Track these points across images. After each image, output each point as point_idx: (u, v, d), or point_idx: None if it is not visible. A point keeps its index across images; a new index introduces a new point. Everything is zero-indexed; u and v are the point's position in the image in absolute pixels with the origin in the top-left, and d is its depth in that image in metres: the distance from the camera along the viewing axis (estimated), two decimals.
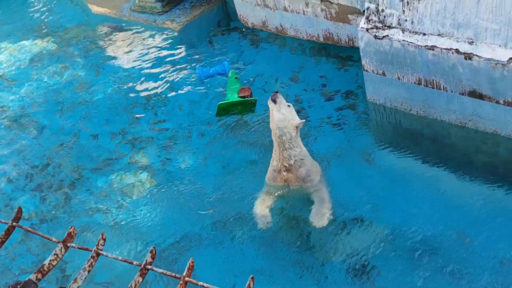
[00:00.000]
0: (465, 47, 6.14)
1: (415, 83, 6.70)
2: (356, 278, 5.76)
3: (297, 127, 6.04)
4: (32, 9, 10.80)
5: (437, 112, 6.80)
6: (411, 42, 6.43)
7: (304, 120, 6.14)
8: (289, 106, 6.12)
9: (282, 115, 6.00)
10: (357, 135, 7.12)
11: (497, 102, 6.27)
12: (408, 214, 6.16)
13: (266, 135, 7.09)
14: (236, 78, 7.72)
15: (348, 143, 7.00)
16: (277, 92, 6.16)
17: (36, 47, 9.65)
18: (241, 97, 7.46)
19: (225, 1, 9.45)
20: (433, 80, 6.54)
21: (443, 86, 6.51)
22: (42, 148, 7.74)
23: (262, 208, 6.24)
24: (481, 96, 6.33)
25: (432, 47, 6.30)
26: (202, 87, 8.09)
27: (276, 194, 6.31)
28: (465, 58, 6.14)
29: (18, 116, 8.32)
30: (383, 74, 6.87)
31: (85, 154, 7.53)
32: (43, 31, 10.05)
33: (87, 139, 7.74)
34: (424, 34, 6.36)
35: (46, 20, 10.38)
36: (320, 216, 6.08)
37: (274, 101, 6.04)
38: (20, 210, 3.00)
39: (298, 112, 6.49)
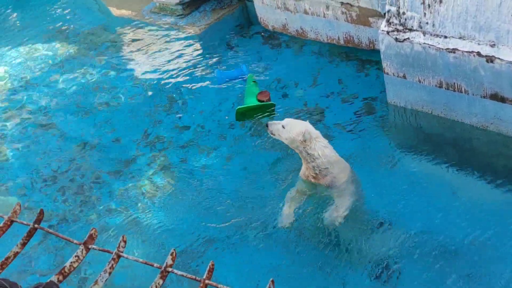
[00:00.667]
0: (486, 50, 6.10)
1: (436, 86, 6.67)
2: (376, 281, 5.74)
3: (304, 140, 5.90)
4: (54, 13, 10.88)
5: (458, 115, 6.76)
6: (432, 45, 6.40)
7: (304, 130, 5.89)
8: (283, 127, 5.99)
9: (286, 139, 5.97)
10: (378, 138, 7.10)
11: None
12: (429, 218, 6.13)
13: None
14: (254, 81, 7.71)
15: (369, 146, 6.98)
16: (266, 125, 6.11)
17: (58, 50, 9.72)
18: (259, 101, 7.45)
19: (246, 5, 9.47)
20: (454, 83, 6.50)
21: (465, 89, 6.47)
22: (63, 150, 7.79)
23: (289, 205, 6.20)
24: (503, 99, 6.29)
25: (454, 50, 6.27)
26: (223, 90, 8.10)
27: (306, 191, 6.23)
28: (487, 61, 6.10)
29: (40, 118, 8.37)
30: (404, 77, 6.84)
31: (106, 156, 7.57)
32: (65, 34, 10.12)
33: (108, 141, 7.78)
34: (446, 37, 6.33)
35: (67, 23, 10.45)
36: (332, 218, 6.03)
37: (272, 133, 6.06)
38: (42, 212, 3.03)
39: (317, 115, 6.48)
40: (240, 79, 8.00)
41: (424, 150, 6.88)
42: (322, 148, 5.93)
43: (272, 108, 7.45)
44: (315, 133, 5.97)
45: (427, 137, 7.08)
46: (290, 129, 5.93)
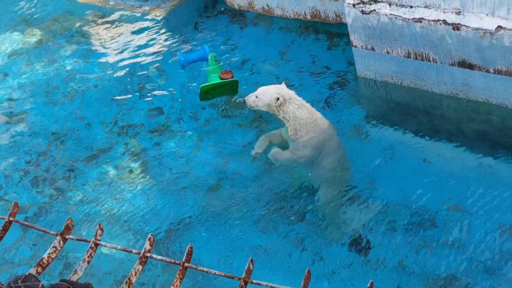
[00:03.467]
0: (452, 18, 6.13)
1: (404, 56, 6.69)
2: (353, 253, 5.80)
3: (279, 105, 6.21)
4: (16, 1, 10.72)
5: (427, 84, 6.80)
6: (398, 15, 6.41)
7: (276, 95, 6.20)
8: (257, 97, 6.32)
9: (263, 107, 6.31)
10: (349, 110, 7.13)
11: (487, 71, 6.27)
12: (402, 187, 6.20)
13: (258, 115, 7.10)
14: (216, 61, 7.64)
15: (340, 119, 7.01)
16: (244, 101, 6.56)
17: (22, 39, 9.59)
18: (222, 79, 7.39)
19: None
20: (422, 52, 6.53)
21: (433, 58, 6.51)
22: (34, 140, 7.71)
23: (267, 136, 6.55)
24: (470, 66, 6.33)
25: (420, 19, 6.29)
26: (192, 71, 8.05)
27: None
28: (453, 29, 6.13)
29: (9, 110, 8.27)
30: (372, 49, 6.85)
31: (79, 144, 7.51)
32: (28, 23, 9.97)
33: (80, 129, 7.71)
34: (411, 7, 6.34)
35: (30, 11, 10.29)
36: (272, 153, 6.40)
37: (250, 106, 6.44)
38: (16, 205, 3.01)
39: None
40: (204, 60, 7.92)
41: (396, 120, 6.93)
42: (294, 111, 6.18)
43: (236, 84, 7.39)
44: (288, 94, 6.24)
45: (398, 107, 7.12)
46: (263, 96, 6.24)
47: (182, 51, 8.33)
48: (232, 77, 7.35)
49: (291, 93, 6.26)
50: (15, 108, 8.27)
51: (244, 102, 6.47)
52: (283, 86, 6.35)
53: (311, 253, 5.87)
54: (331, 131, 6.35)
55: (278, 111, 6.24)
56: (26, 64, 9.01)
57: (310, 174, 6.32)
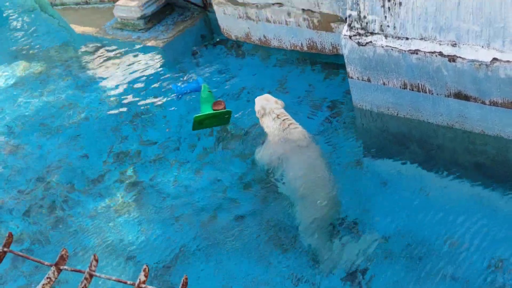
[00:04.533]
0: (448, 50, 6.17)
1: (400, 87, 6.72)
2: (348, 283, 5.76)
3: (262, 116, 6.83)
4: (14, 31, 10.80)
5: (424, 115, 6.82)
6: (395, 47, 6.45)
7: (260, 106, 6.85)
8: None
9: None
10: (345, 141, 7.13)
11: (483, 102, 6.29)
12: (398, 218, 6.17)
13: (254, 146, 7.12)
14: (209, 91, 7.66)
15: (337, 149, 7.01)
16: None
17: (20, 70, 9.64)
18: (215, 110, 7.40)
19: (208, 16, 9.47)
20: (418, 83, 6.56)
21: (429, 89, 6.53)
22: (30, 170, 7.71)
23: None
24: (466, 98, 6.35)
25: (416, 51, 6.33)
26: (189, 102, 8.08)
27: None
28: (449, 61, 6.16)
29: (6, 139, 8.29)
30: (368, 80, 6.88)
31: (74, 174, 7.51)
32: (27, 53, 10.04)
33: (76, 159, 7.71)
34: (407, 39, 6.38)
35: (29, 41, 10.38)
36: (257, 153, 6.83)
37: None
38: (10, 235, 2.99)
39: None
40: (198, 91, 7.95)
41: (392, 150, 6.93)
42: (266, 122, 6.79)
43: (229, 115, 7.41)
44: (270, 108, 6.80)
45: (394, 138, 7.13)
46: (255, 106, 6.87)
47: (179, 83, 8.36)
48: (224, 107, 7.37)
49: (274, 107, 6.83)
50: (11, 138, 8.29)
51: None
52: (267, 96, 6.98)
53: (306, 283, 5.84)
54: (302, 143, 6.55)
55: (259, 119, 6.89)
56: (23, 95, 9.05)
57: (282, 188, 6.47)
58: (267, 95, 7.04)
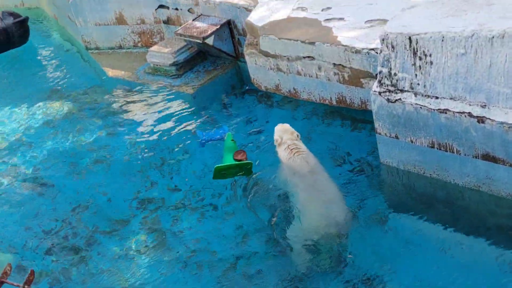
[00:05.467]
0: (477, 111, 6.16)
1: (428, 146, 6.70)
2: None
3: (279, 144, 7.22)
4: (48, 73, 10.99)
5: (450, 175, 6.78)
6: (424, 106, 6.45)
7: (277, 136, 7.28)
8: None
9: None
10: (370, 196, 7.10)
11: (511, 165, 6.25)
12: (421, 279, 6.10)
13: (276, 196, 7.17)
14: (232, 140, 7.71)
15: (361, 204, 6.98)
16: None
17: (52, 110, 9.77)
18: (236, 160, 7.43)
19: (239, 66, 9.58)
20: (446, 143, 6.54)
21: (456, 149, 6.51)
22: (56, 210, 7.76)
23: None
24: (494, 160, 6.32)
25: (445, 111, 6.33)
26: (213, 149, 8.11)
27: None
28: (478, 122, 6.15)
29: (33, 178, 8.37)
30: (396, 137, 6.88)
31: (98, 216, 7.54)
32: (59, 94, 10.18)
33: (101, 201, 7.76)
34: (437, 98, 6.39)
35: (61, 83, 10.54)
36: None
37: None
38: (32, 273, 3.01)
39: None
40: (221, 139, 8.00)
41: (417, 209, 6.88)
42: (280, 152, 7.20)
43: (250, 166, 7.42)
44: (285, 138, 7.19)
45: (419, 196, 7.08)
46: (274, 134, 7.30)
47: (207, 131, 8.42)
48: (246, 158, 7.40)
49: (289, 137, 7.21)
50: (38, 177, 8.38)
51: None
52: (285, 125, 7.39)
53: None
54: (303, 169, 6.93)
55: (276, 147, 7.25)
56: (52, 135, 9.15)
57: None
58: (286, 125, 7.40)
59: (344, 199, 6.74)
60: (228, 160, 7.42)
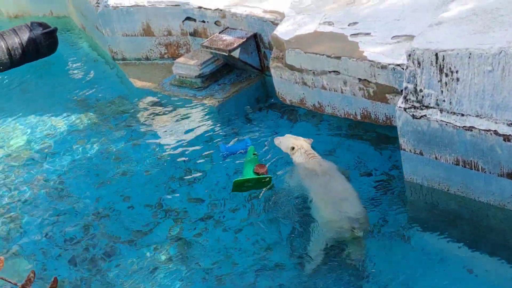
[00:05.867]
0: (504, 129, 6.11)
1: (453, 163, 6.66)
2: None
3: (293, 154, 7.57)
4: (75, 82, 11.10)
5: (475, 193, 6.72)
6: (449, 122, 6.42)
7: (291, 145, 7.59)
8: (280, 142, 7.76)
9: (283, 149, 7.73)
10: (393, 212, 7.06)
11: None
12: None
13: (296, 209, 7.17)
14: (254, 154, 7.72)
15: (385, 221, 6.94)
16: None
17: (78, 119, 9.85)
18: (256, 173, 7.44)
19: (264, 79, 9.61)
20: (471, 160, 6.49)
21: (481, 167, 6.46)
22: (77, 218, 7.81)
23: None
24: None
25: (470, 128, 6.29)
26: (237, 162, 8.13)
27: None
28: (504, 140, 6.10)
29: (56, 186, 8.44)
30: (421, 153, 6.84)
31: (120, 225, 7.57)
32: (85, 104, 10.28)
33: (123, 211, 7.79)
34: (462, 115, 6.35)
35: (88, 92, 10.63)
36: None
37: (275, 144, 7.81)
38: (55, 281, 3.02)
39: None
40: (244, 152, 8.01)
41: (440, 227, 6.83)
42: (297, 158, 7.51)
43: (269, 180, 7.42)
44: (301, 145, 7.56)
45: (443, 214, 7.03)
46: (285, 144, 7.67)
47: (229, 144, 8.44)
48: (266, 171, 7.41)
49: (302, 145, 7.56)
50: (62, 185, 8.44)
51: (274, 141, 7.82)
52: (301, 139, 7.69)
53: None
54: (321, 176, 7.16)
55: (291, 155, 7.56)
56: (77, 144, 9.23)
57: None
58: (291, 135, 7.81)
59: (358, 198, 6.80)
60: (248, 173, 7.44)
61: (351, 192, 6.86)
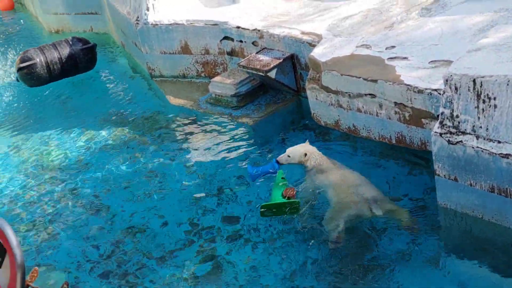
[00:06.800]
0: None
1: (488, 190, 6.60)
2: None
3: (307, 160, 7.79)
4: (111, 97, 11.24)
5: (510, 222, 6.65)
6: (485, 149, 6.37)
7: (304, 151, 7.83)
8: (289, 156, 7.84)
9: (297, 162, 7.88)
10: (426, 239, 7.00)
11: None
12: None
13: (325, 233, 7.15)
14: (283, 178, 7.71)
15: (416, 247, 6.88)
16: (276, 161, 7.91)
17: (113, 134, 9.95)
18: (284, 197, 7.40)
19: (300, 100, 9.64)
20: (506, 188, 6.43)
21: None
22: (110, 233, 7.86)
23: None
24: None
25: (507, 155, 6.24)
26: (270, 182, 8.13)
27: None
28: None
29: (90, 200, 8.52)
30: (455, 179, 6.80)
31: (153, 242, 7.60)
32: (121, 119, 10.39)
33: (156, 227, 7.83)
34: (499, 142, 6.31)
35: (124, 108, 10.75)
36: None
37: (283, 163, 7.86)
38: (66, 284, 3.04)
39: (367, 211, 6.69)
40: (273, 174, 7.99)
41: (472, 254, 6.76)
42: (312, 162, 7.74)
43: (297, 205, 7.40)
44: (311, 150, 7.83)
45: (476, 241, 6.96)
46: (295, 154, 7.80)
47: (256, 165, 8.41)
48: (294, 196, 7.38)
49: (313, 149, 7.84)
50: (95, 199, 8.52)
51: (277, 161, 7.84)
52: (307, 143, 7.94)
53: None
54: (335, 169, 7.68)
55: (305, 162, 7.76)
56: (112, 158, 9.32)
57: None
58: (301, 144, 8.00)
59: (373, 185, 7.38)
60: (276, 197, 7.43)
61: (366, 180, 7.44)
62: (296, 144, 8.49)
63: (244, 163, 8.65)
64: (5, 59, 12.84)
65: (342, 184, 7.41)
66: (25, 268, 5.37)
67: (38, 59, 11.20)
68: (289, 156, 7.83)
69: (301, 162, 7.82)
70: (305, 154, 7.77)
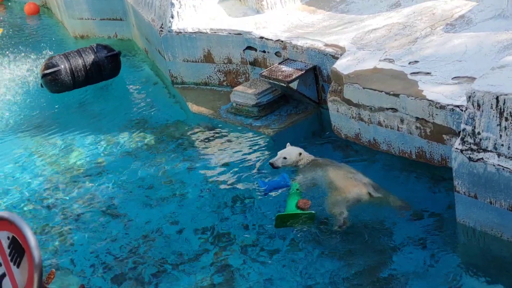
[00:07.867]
0: None
1: (507, 209, 6.55)
2: None
3: (301, 158, 8.29)
4: (134, 104, 11.30)
5: None
6: (507, 167, 6.33)
7: (298, 151, 8.32)
8: (285, 158, 8.22)
9: (291, 163, 8.29)
10: (444, 256, 6.95)
11: None
12: None
13: (340, 243, 7.14)
14: (297, 190, 7.71)
15: (434, 263, 6.84)
16: (271, 164, 8.29)
17: (134, 141, 10.00)
18: (298, 208, 7.42)
19: (321, 112, 9.62)
20: None
21: None
22: (127, 238, 7.89)
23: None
24: None
25: None
26: (285, 194, 8.14)
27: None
28: None
29: (109, 205, 8.56)
30: (475, 197, 6.75)
31: (168, 248, 7.62)
32: (142, 125, 10.44)
33: (172, 234, 7.84)
34: None
35: (146, 115, 10.81)
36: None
37: (278, 167, 8.25)
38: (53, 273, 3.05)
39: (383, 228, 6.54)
40: (284, 187, 8.00)
41: (491, 273, 6.70)
42: (303, 159, 8.26)
43: (312, 216, 7.39)
44: (305, 154, 8.30)
45: (494, 260, 6.90)
46: (291, 155, 8.22)
47: (267, 179, 8.42)
48: (309, 207, 7.39)
49: (302, 149, 8.33)
50: (112, 204, 8.56)
51: (271, 164, 8.24)
52: (289, 145, 8.39)
53: None
54: (323, 163, 8.17)
55: (297, 162, 8.22)
56: (131, 164, 9.36)
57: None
58: (291, 147, 8.40)
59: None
60: (291, 208, 7.45)
61: (358, 172, 7.88)
62: (317, 156, 8.53)
63: (262, 173, 8.65)
64: (29, 64, 12.95)
65: (340, 172, 7.84)
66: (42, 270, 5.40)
67: (62, 66, 11.28)
68: (285, 158, 8.21)
69: (295, 162, 8.23)
70: (300, 154, 8.24)
